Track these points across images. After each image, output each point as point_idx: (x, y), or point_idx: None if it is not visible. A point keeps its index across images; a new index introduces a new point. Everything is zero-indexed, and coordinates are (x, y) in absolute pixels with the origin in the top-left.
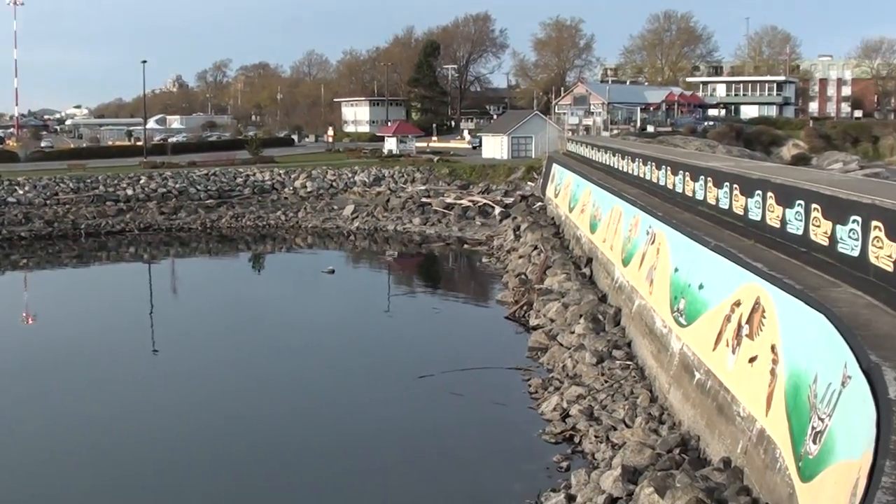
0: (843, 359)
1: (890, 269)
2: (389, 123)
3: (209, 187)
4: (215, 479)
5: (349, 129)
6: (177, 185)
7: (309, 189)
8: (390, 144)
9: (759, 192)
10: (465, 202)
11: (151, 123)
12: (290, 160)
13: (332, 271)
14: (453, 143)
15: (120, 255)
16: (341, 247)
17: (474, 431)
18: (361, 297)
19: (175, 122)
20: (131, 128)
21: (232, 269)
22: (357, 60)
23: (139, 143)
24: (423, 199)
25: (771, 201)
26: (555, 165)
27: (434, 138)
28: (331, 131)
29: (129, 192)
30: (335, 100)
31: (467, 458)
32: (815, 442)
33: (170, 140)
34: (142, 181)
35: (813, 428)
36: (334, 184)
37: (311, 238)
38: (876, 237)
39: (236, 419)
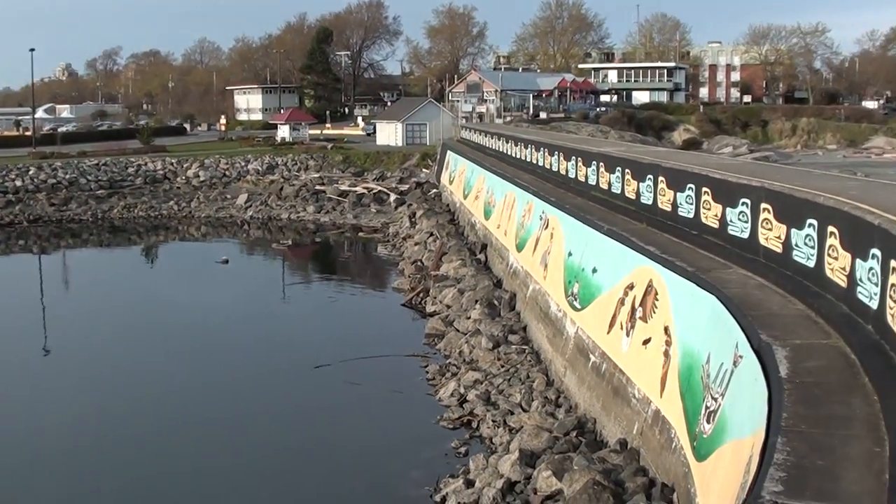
0: (735, 339)
1: (779, 250)
2: (282, 111)
3: (100, 177)
4: (107, 476)
5: (242, 117)
6: (67, 176)
7: (202, 178)
8: (283, 132)
9: (650, 176)
10: (359, 189)
11: (40, 113)
12: (183, 149)
13: (226, 261)
14: (347, 131)
15: (9, 247)
16: (235, 236)
17: (372, 420)
18: (256, 286)
19: (65, 111)
20: (19, 117)
21: (124, 261)
22: (249, 48)
23: (28, 134)
24: (318, 187)
25: (662, 185)
26: (449, 152)
27: (328, 125)
28: (223, 119)
29: (18, 183)
30: (227, 88)
31: (366, 446)
32: (708, 421)
33: (59, 130)
34: (31, 172)
35: (707, 408)
36: (227, 173)
37: (204, 228)
38: (765, 219)
39: (127, 414)
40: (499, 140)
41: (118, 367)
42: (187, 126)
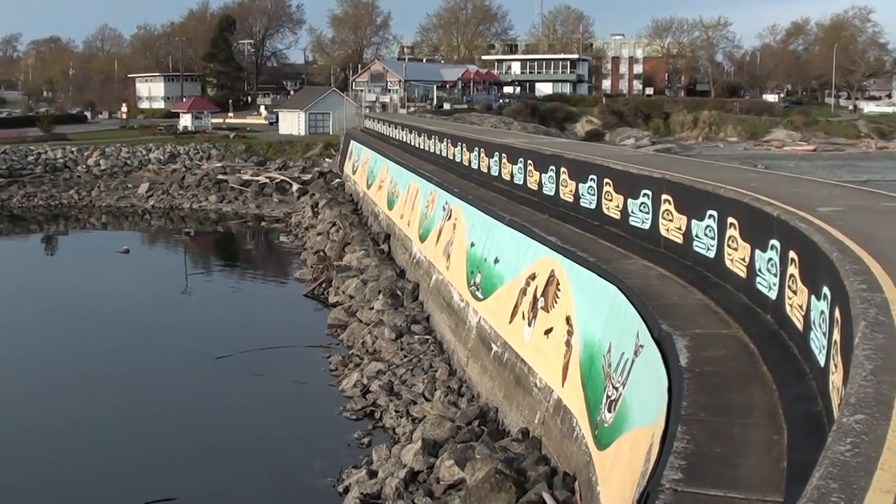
0: (636, 328)
1: (679, 240)
2: (185, 99)
3: None
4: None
5: (144, 105)
6: None
7: (102, 167)
8: (185, 121)
9: (552, 167)
10: (262, 179)
11: None
12: (84, 137)
13: (127, 251)
14: (250, 119)
15: None
16: (136, 226)
17: (275, 411)
18: (157, 276)
19: None
20: None
21: (23, 250)
22: (151, 35)
23: None
24: (220, 177)
25: (564, 176)
26: (352, 142)
27: (230, 114)
28: (124, 108)
29: None
30: (129, 76)
31: (268, 438)
32: (609, 410)
33: None
34: None
35: (608, 397)
36: (128, 161)
37: (105, 217)
38: (666, 210)
39: (19, 408)
40: (402, 130)
41: (10, 359)
42: (88, 114)
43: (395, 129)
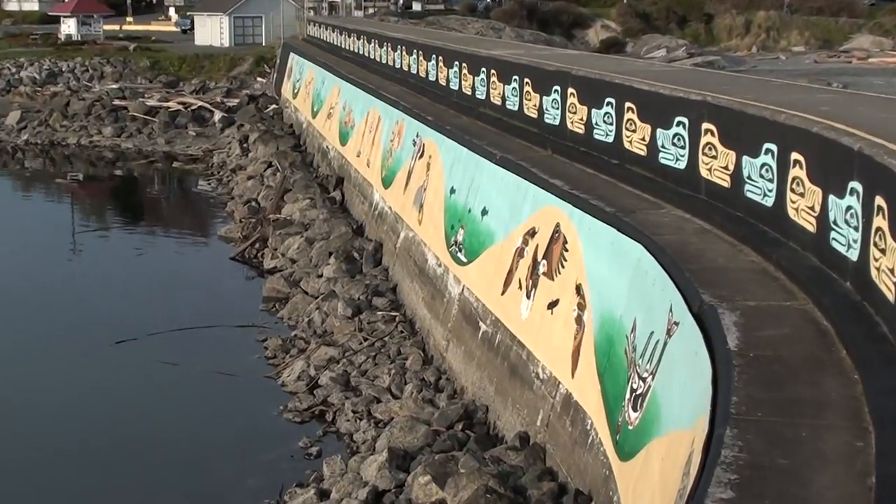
0: (668, 300)
1: (726, 184)
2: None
3: None
4: None
5: (12, 6)
6: None
7: None
8: (69, 28)
9: (557, 87)
10: (173, 106)
11: None
12: None
13: None
14: (155, 26)
15: None
16: (5, 168)
17: (193, 413)
18: (35, 237)
19: None
20: None
21: None
22: None
23: None
24: (117, 102)
25: (573, 100)
26: (293, 56)
27: (129, 19)
28: None
29: None
30: None
31: (184, 448)
32: (635, 408)
33: None
34: None
35: (632, 390)
36: None
37: None
38: (708, 144)
39: None
40: (358, 39)
41: None
42: None
43: (349, 37)
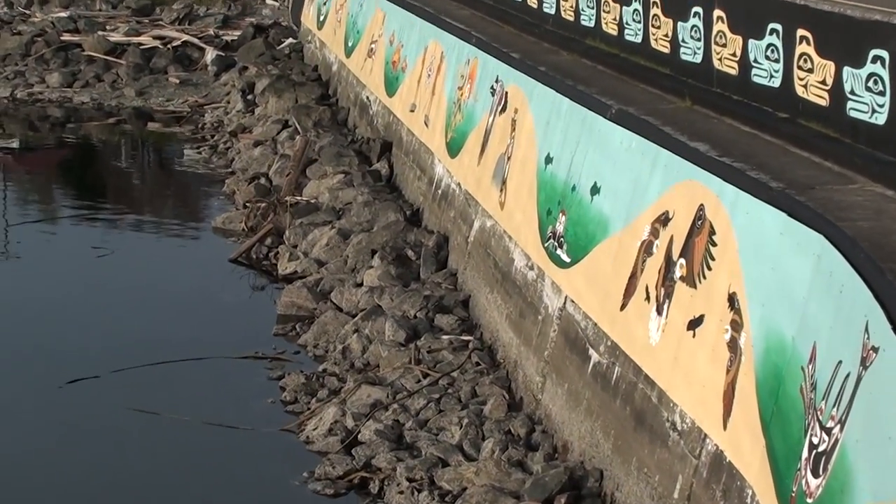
0: (863, 316)
1: None
2: None
3: None
4: None
5: None
6: None
7: None
8: None
9: (698, 9)
10: (147, 41)
11: None
12: None
13: None
14: None
15: None
16: None
17: (180, 482)
18: None
19: None
20: None
21: None
22: None
23: None
24: (67, 38)
25: (721, 26)
26: None
27: None
28: None
29: None
30: None
31: None
32: (815, 473)
33: None
34: None
35: (812, 446)
36: None
37: None
38: None
39: None
40: None
41: None
42: None
43: None
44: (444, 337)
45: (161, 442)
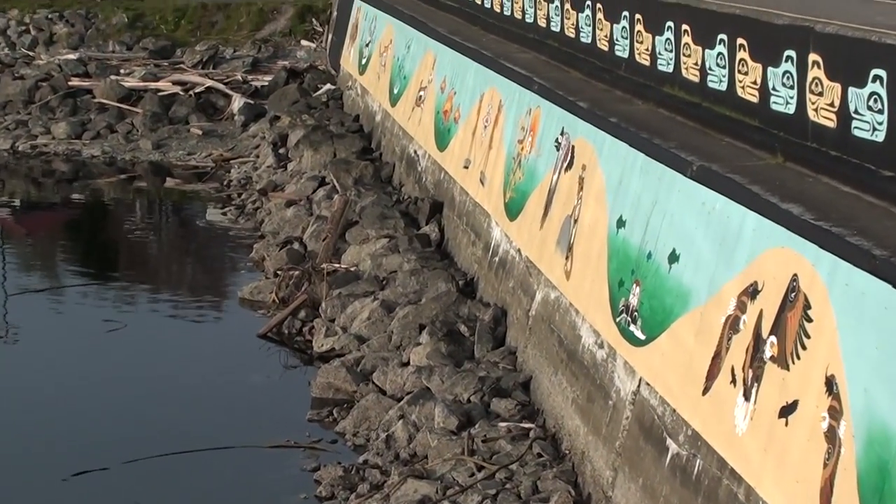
0: None
1: None
2: None
3: None
4: None
5: None
6: None
7: None
8: None
9: (791, 53)
10: (166, 87)
11: None
12: None
13: None
14: None
15: None
16: None
17: None
18: None
19: None
20: None
21: None
22: None
23: None
24: (76, 83)
25: (817, 72)
26: (359, 4)
27: None
28: None
29: None
30: None
31: None
32: None
33: None
34: None
35: None
36: None
37: None
38: None
39: None
40: None
41: None
42: None
43: None
44: (502, 424)
45: None
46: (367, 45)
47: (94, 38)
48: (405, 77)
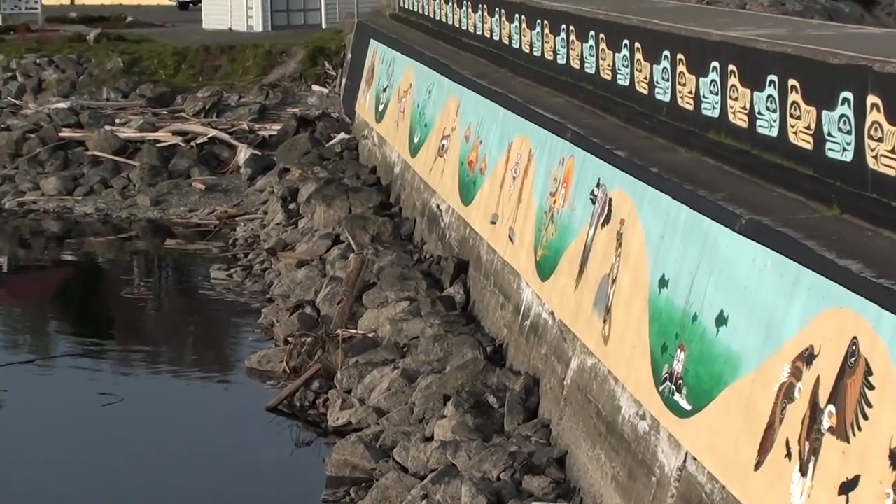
0: None
1: None
2: None
3: None
4: None
5: None
6: None
7: None
8: None
9: (847, 95)
10: (165, 137)
11: None
12: None
13: None
14: None
15: None
16: None
17: None
18: None
19: None
20: None
21: None
22: None
23: None
24: (67, 134)
25: (877, 116)
26: (376, 45)
27: None
28: None
29: None
30: None
31: None
32: None
33: None
34: None
35: None
36: None
37: None
38: None
39: None
40: (491, 15)
41: None
42: None
43: (475, 10)
44: None
45: None
46: (384, 90)
47: (87, 84)
48: (426, 125)
